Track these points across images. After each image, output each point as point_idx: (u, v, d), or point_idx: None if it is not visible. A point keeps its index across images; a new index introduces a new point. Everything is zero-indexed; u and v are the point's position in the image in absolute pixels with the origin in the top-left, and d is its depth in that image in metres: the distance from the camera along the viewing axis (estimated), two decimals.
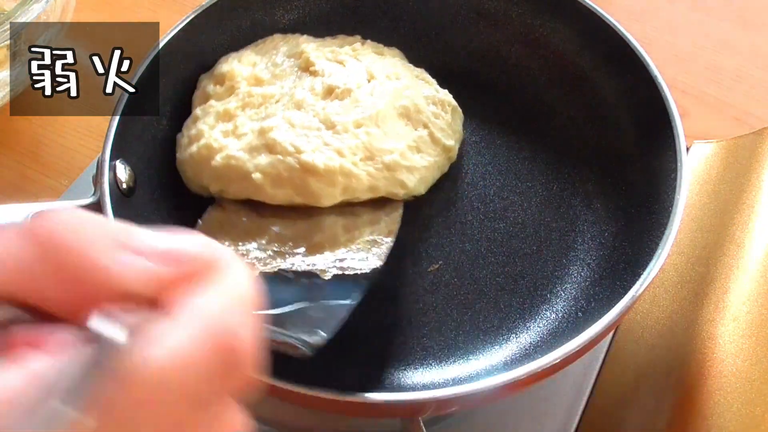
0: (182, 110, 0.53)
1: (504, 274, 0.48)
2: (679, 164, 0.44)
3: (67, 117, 0.64)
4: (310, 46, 0.53)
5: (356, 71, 0.51)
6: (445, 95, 0.52)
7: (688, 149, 0.53)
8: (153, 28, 0.67)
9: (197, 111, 0.51)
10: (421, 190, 0.49)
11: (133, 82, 0.48)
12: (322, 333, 0.37)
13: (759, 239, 0.50)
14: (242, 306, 0.22)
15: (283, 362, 0.44)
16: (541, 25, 0.55)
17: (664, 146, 0.46)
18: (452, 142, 0.51)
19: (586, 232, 0.49)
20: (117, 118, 0.46)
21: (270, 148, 0.47)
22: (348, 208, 0.48)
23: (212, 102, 0.51)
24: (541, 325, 0.46)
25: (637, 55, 0.49)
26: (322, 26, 0.57)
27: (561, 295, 0.47)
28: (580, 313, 0.45)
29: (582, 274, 0.47)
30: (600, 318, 0.38)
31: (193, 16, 0.52)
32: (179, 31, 0.51)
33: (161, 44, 0.50)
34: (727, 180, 0.54)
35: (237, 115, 0.50)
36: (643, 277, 0.39)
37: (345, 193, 0.47)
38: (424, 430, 0.42)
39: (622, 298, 0.39)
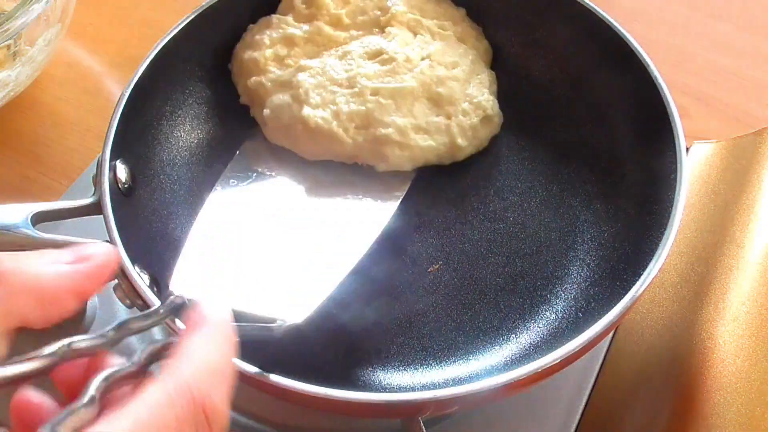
0: (182, 109, 0.53)
1: (504, 275, 0.48)
2: (679, 164, 0.44)
3: (67, 117, 0.64)
4: (402, 8, 0.54)
5: (419, 47, 0.53)
6: (487, 102, 0.52)
7: (688, 149, 0.53)
8: (153, 28, 0.68)
9: (273, 18, 0.55)
10: (407, 167, 0.50)
11: (133, 82, 0.48)
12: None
13: (759, 239, 0.50)
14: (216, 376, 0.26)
15: (283, 362, 0.44)
16: (541, 25, 0.55)
17: (664, 146, 0.45)
18: (464, 143, 0.51)
19: (586, 233, 0.49)
20: (117, 118, 0.46)
21: (291, 87, 0.51)
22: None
23: (289, 19, 0.54)
24: (540, 325, 0.46)
25: (636, 56, 0.49)
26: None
27: (561, 295, 0.47)
28: (580, 314, 0.45)
29: (582, 274, 0.47)
30: (600, 318, 0.38)
31: (193, 16, 0.52)
32: (179, 31, 0.51)
33: (161, 44, 0.50)
34: (727, 180, 0.54)
35: (296, 46, 0.53)
36: (643, 277, 0.39)
37: (328, 153, 0.50)
38: (424, 430, 0.42)
39: (622, 298, 0.39)
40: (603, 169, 0.51)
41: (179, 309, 0.33)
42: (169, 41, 0.51)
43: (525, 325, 0.46)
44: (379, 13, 0.55)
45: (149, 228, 0.47)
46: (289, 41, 0.54)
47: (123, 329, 0.31)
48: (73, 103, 0.65)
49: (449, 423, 0.46)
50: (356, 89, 0.50)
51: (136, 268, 0.40)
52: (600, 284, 0.46)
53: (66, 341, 0.29)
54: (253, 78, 0.53)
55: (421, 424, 0.42)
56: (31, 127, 0.63)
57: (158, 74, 0.50)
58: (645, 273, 0.40)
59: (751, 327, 0.46)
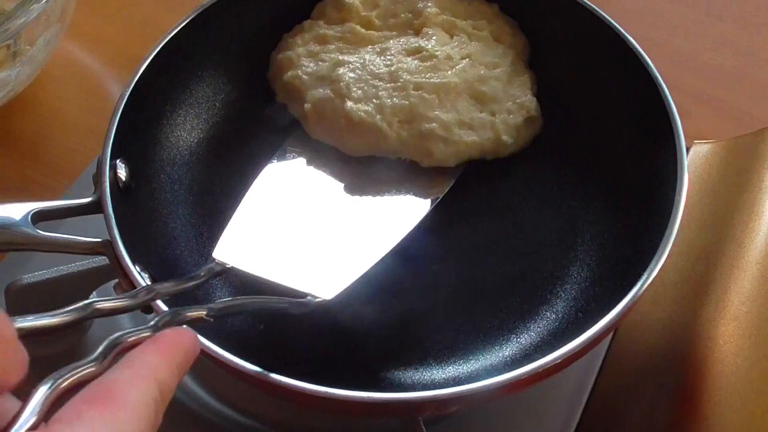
0: (182, 109, 0.53)
1: (504, 275, 0.48)
2: (679, 164, 0.44)
3: (67, 117, 0.64)
4: (434, 10, 0.54)
5: (458, 47, 0.53)
6: (531, 103, 0.52)
7: (688, 149, 0.53)
8: (153, 28, 0.67)
9: (306, 23, 0.55)
10: (451, 162, 0.49)
11: (134, 82, 0.48)
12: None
13: (759, 239, 0.50)
14: None
15: (283, 361, 0.44)
16: (540, 25, 0.55)
17: (664, 146, 0.45)
18: (509, 140, 0.51)
19: (586, 233, 0.49)
20: (117, 117, 0.46)
21: (330, 82, 0.51)
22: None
23: (321, 23, 0.55)
24: (541, 325, 0.46)
25: (636, 56, 0.49)
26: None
27: (561, 295, 0.47)
28: (580, 314, 0.45)
29: (582, 274, 0.47)
30: (600, 319, 0.38)
31: (193, 15, 0.52)
32: (179, 30, 0.51)
33: (161, 44, 0.50)
34: (727, 180, 0.54)
35: (329, 43, 0.53)
36: (643, 278, 0.39)
37: (370, 149, 0.50)
38: (424, 430, 0.42)
39: (622, 298, 0.39)
40: (603, 169, 0.51)
41: (219, 274, 0.40)
42: (169, 41, 0.50)
43: (525, 326, 0.46)
44: (410, 15, 0.54)
45: (149, 227, 0.48)
46: (321, 39, 0.54)
47: (154, 291, 0.35)
48: (73, 103, 0.65)
49: (449, 423, 0.46)
50: (399, 83, 0.49)
51: (137, 267, 0.40)
52: (600, 284, 0.46)
53: (90, 301, 0.31)
54: (289, 72, 0.53)
55: (421, 424, 0.42)
56: (31, 127, 0.63)
57: (158, 74, 0.50)
58: (645, 273, 0.40)
59: (751, 327, 0.46)
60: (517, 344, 0.45)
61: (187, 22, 0.52)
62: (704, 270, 0.50)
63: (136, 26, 0.70)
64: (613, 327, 0.39)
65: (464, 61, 0.51)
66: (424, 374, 0.44)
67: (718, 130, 0.61)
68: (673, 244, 0.41)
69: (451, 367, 0.44)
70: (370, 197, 0.49)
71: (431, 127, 0.48)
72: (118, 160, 0.45)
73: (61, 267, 0.48)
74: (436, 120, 0.48)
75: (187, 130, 0.53)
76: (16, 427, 0.24)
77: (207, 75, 0.55)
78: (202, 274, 0.39)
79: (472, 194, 0.51)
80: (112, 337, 0.29)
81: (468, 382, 0.36)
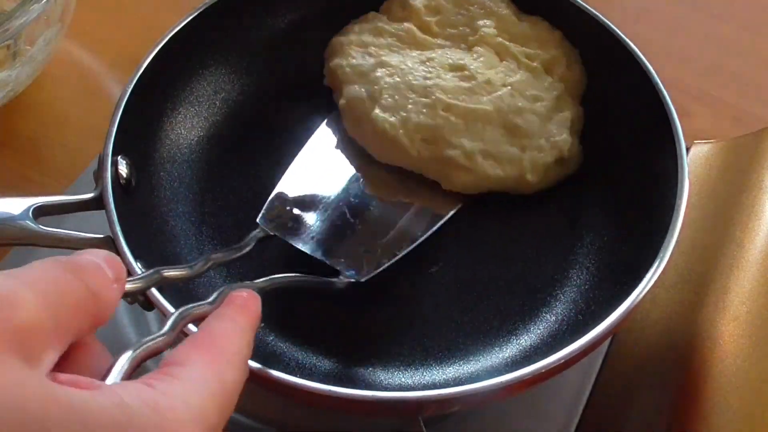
0: (182, 107, 0.53)
1: (504, 277, 0.48)
2: (679, 165, 0.44)
3: (67, 117, 0.64)
4: (491, 31, 0.53)
5: (503, 73, 0.51)
6: (565, 143, 0.49)
7: (688, 149, 0.53)
8: (153, 28, 0.67)
9: (369, 14, 0.56)
10: (470, 191, 0.49)
11: (135, 79, 0.48)
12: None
13: (759, 239, 0.50)
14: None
15: (284, 360, 0.44)
16: None
17: (664, 147, 0.45)
18: (534, 180, 0.49)
19: (586, 236, 0.49)
20: (118, 114, 0.46)
21: (368, 81, 0.51)
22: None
23: (385, 17, 0.55)
24: (541, 327, 0.46)
25: (634, 57, 0.49)
26: (325, 26, 0.57)
27: (561, 297, 0.47)
28: (580, 316, 0.45)
29: (582, 277, 0.47)
30: (600, 322, 0.38)
31: (193, 16, 0.52)
32: (181, 29, 0.51)
33: (161, 44, 0.50)
34: (727, 180, 0.54)
35: (383, 37, 0.53)
36: (644, 281, 0.39)
37: (394, 159, 0.50)
38: (424, 430, 0.42)
39: (622, 302, 0.39)
40: (603, 170, 0.51)
41: (262, 242, 0.44)
42: (170, 39, 0.51)
43: (525, 327, 0.46)
44: (468, 30, 0.54)
45: (149, 225, 0.48)
46: (377, 32, 0.54)
47: (208, 260, 0.39)
48: (73, 103, 0.65)
49: (449, 423, 0.46)
50: (430, 101, 0.49)
51: (138, 263, 0.40)
52: (600, 287, 0.46)
53: (157, 269, 0.35)
54: (336, 60, 0.53)
55: (421, 424, 0.42)
56: (31, 127, 0.63)
57: (159, 72, 0.50)
58: (646, 278, 0.40)
59: (751, 327, 0.46)
60: (517, 345, 0.45)
61: (187, 21, 0.52)
62: (704, 270, 0.50)
63: (136, 26, 0.70)
64: (613, 331, 0.39)
65: (504, 89, 0.50)
66: (424, 374, 0.44)
67: (718, 130, 0.61)
68: (673, 249, 0.41)
69: (451, 368, 0.44)
70: (402, 189, 0.50)
71: (453, 154, 0.48)
72: (119, 157, 0.45)
73: None
74: (460, 147, 0.48)
75: (187, 128, 0.53)
76: (111, 375, 0.26)
77: (207, 74, 0.55)
78: (248, 239, 0.43)
79: (471, 196, 0.51)
80: (180, 310, 0.32)
81: (468, 383, 0.36)
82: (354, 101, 0.51)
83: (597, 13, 0.52)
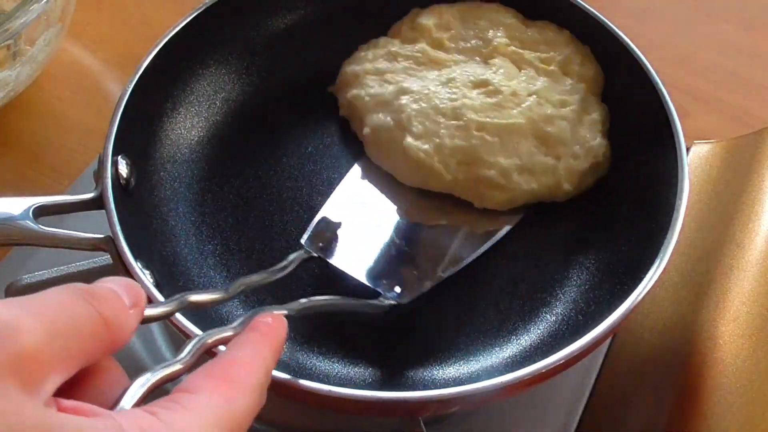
0: (182, 107, 0.53)
1: (504, 277, 0.48)
2: (679, 165, 0.44)
3: (67, 117, 0.64)
4: (503, 41, 0.53)
5: (525, 82, 0.51)
6: (600, 148, 0.49)
7: (688, 149, 0.53)
8: (153, 27, 0.67)
9: (380, 39, 0.55)
10: (504, 207, 0.48)
11: (135, 79, 0.48)
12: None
13: (759, 239, 0.50)
14: None
15: (285, 359, 0.44)
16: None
17: (664, 147, 0.45)
18: (570, 188, 0.49)
19: (586, 235, 0.49)
20: (119, 114, 0.46)
21: (392, 110, 0.50)
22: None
23: (396, 41, 0.55)
24: (541, 327, 0.46)
25: (634, 57, 0.49)
26: (325, 26, 0.57)
27: (561, 297, 0.47)
28: (580, 317, 0.45)
29: (582, 277, 0.47)
30: (600, 322, 0.38)
31: (193, 16, 0.52)
32: (181, 28, 0.51)
33: (161, 44, 0.50)
34: (727, 180, 0.54)
35: (398, 61, 0.53)
36: (644, 281, 0.39)
37: (423, 184, 0.49)
38: (424, 430, 0.42)
39: (622, 302, 0.39)
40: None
41: (306, 262, 0.44)
42: (170, 38, 0.51)
43: (525, 327, 0.46)
44: (480, 43, 0.54)
45: (149, 225, 0.48)
46: (392, 56, 0.53)
47: (242, 283, 0.38)
48: (73, 103, 0.65)
49: (449, 423, 0.46)
50: (462, 122, 0.48)
51: (138, 263, 0.40)
52: (600, 287, 0.46)
53: (183, 294, 0.34)
54: (353, 91, 0.53)
55: (421, 424, 0.42)
56: (31, 127, 0.63)
57: (159, 72, 0.50)
58: (646, 278, 0.40)
59: (751, 327, 0.46)
60: (517, 345, 0.45)
61: (187, 21, 0.52)
62: (704, 270, 0.50)
63: (136, 26, 0.70)
64: (613, 331, 0.39)
65: (531, 98, 0.49)
66: (424, 374, 0.44)
67: (718, 130, 0.61)
68: (673, 249, 0.41)
69: (451, 368, 0.44)
70: (436, 211, 0.49)
71: (490, 174, 0.47)
72: (119, 157, 0.45)
73: (61, 267, 0.48)
74: (496, 166, 0.47)
75: (187, 128, 0.53)
76: (121, 403, 0.26)
77: (207, 73, 0.55)
78: (291, 260, 0.42)
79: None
80: (200, 336, 0.31)
81: (468, 383, 0.36)
82: (380, 130, 0.50)
83: (597, 13, 0.52)
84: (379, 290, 0.44)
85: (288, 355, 0.45)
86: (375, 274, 0.45)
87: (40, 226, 0.40)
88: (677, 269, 0.51)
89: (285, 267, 0.41)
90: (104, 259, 0.46)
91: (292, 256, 0.42)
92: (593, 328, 0.38)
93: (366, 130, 0.51)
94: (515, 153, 0.48)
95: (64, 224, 0.42)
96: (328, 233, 0.46)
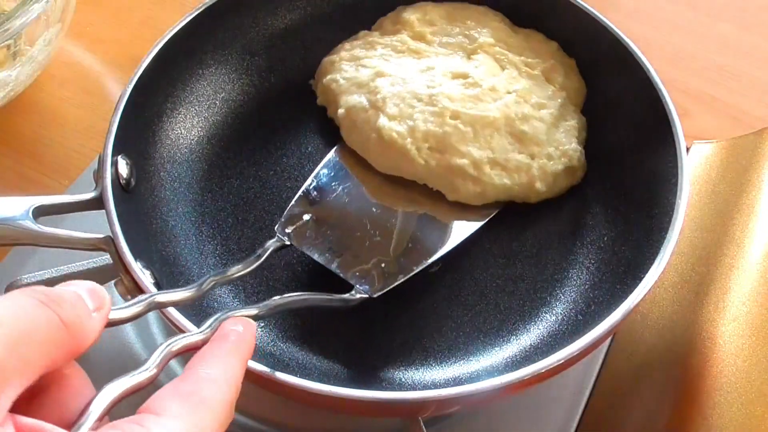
0: (182, 107, 0.53)
1: (504, 276, 0.48)
2: (679, 165, 0.44)
3: (67, 117, 0.64)
4: (488, 39, 0.53)
5: (506, 80, 0.50)
6: (574, 152, 0.49)
7: (688, 149, 0.53)
8: (153, 27, 0.67)
9: (360, 32, 0.55)
10: (476, 202, 0.48)
11: (135, 79, 0.48)
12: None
13: (759, 239, 0.50)
14: None
15: (284, 360, 0.44)
16: (538, 28, 0.55)
17: (664, 150, 0.45)
18: (543, 188, 0.49)
19: (586, 236, 0.49)
20: (118, 114, 0.46)
21: (368, 91, 0.50)
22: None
23: (376, 33, 0.54)
24: (541, 327, 0.46)
25: (635, 58, 0.49)
26: (325, 26, 0.57)
27: (561, 297, 0.47)
28: (580, 316, 0.45)
29: (582, 277, 0.47)
30: (600, 322, 0.38)
31: (193, 16, 0.52)
32: (180, 29, 0.51)
33: (161, 44, 0.50)
34: (727, 180, 0.54)
35: (375, 49, 0.53)
36: (644, 282, 0.39)
37: (396, 169, 0.49)
38: (424, 430, 0.42)
39: (622, 302, 0.39)
40: (602, 171, 0.51)
41: (281, 249, 0.43)
42: (170, 39, 0.51)
43: (525, 327, 0.46)
44: (464, 40, 0.53)
45: (149, 225, 0.48)
46: (369, 45, 0.53)
47: (213, 279, 0.37)
48: (73, 103, 0.65)
49: (449, 423, 0.46)
50: (437, 109, 0.48)
51: (138, 263, 0.40)
52: (600, 287, 0.46)
53: (151, 294, 0.33)
54: (329, 76, 0.52)
55: (422, 424, 0.42)
56: (31, 127, 0.63)
57: (159, 72, 0.50)
58: (646, 278, 0.40)
59: (751, 327, 0.46)
60: (517, 345, 0.45)
61: (187, 21, 0.52)
62: (704, 270, 0.50)
63: (136, 26, 0.70)
64: (613, 331, 0.39)
65: (509, 95, 0.49)
66: (424, 374, 0.44)
67: (718, 130, 0.61)
68: (674, 248, 0.41)
69: (451, 368, 0.44)
70: (412, 211, 0.49)
71: (462, 163, 0.47)
72: (119, 157, 0.45)
73: (61, 267, 0.48)
74: (468, 156, 0.47)
75: (187, 128, 0.53)
76: (82, 421, 0.25)
77: (207, 74, 0.55)
78: (264, 249, 0.42)
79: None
80: (166, 344, 0.30)
81: (468, 383, 0.36)
82: (354, 110, 0.50)
83: (597, 13, 0.52)
84: (352, 282, 0.43)
85: (288, 355, 0.45)
86: (347, 264, 0.44)
87: (40, 226, 0.40)
88: (677, 269, 0.51)
89: (258, 257, 0.41)
90: (104, 259, 0.46)
91: (265, 245, 0.42)
92: (593, 328, 0.38)
93: (341, 111, 0.51)
94: (488, 146, 0.48)
95: (64, 224, 0.42)
96: (301, 221, 0.46)
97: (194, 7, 0.53)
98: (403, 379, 0.44)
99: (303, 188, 0.48)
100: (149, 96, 0.50)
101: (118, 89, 0.65)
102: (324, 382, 0.36)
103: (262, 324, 0.46)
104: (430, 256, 0.46)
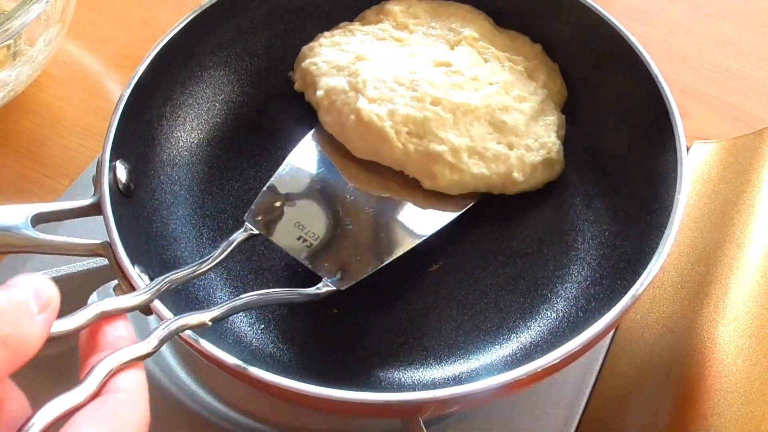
0: (182, 109, 0.53)
1: (504, 274, 0.48)
2: (679, 164, 0.44)
3: (67, 117, 0.64)
4: (473, 33, 0.52)
5: (488, 72, 0.50)
6: (553, 145, 0.49)
7: (688, 149, 0.53)
8: (153, 28, 0.68)
9: (342, 23, 0.55)
10: (453, 191, 0.48)
11: (133, 82, 0.48)
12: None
13: (759, 239, 0.50)
14: None
15: (283, 361, 0.44)
16: (541, 25, 0.55)
17: (664, 146, 0.45)
18: (520, 178, 0.48)
19: (587, 232, 0.49)
20: (117, 118, 0.46)
21: (349, 73, 0.49)
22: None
23: (358, 23, 0.54)
24: (541, 324, 0.46)
25: (637, 55, 0.49)
26: (324, 26, 0.57)
27: (561, 294, 0.47)
28: (580, 313, 0.45)
29: (582, 273, 0.47)
30: (600, 317, 0.38)
31: (193, 16, 0.52)
32: (179, 31, 0.51)
33: (161, 44, 0.50)
34: (727, 180, 0.54)
35: (355, 35, 0.52)
36: (643, 276, 0.39)
37: (373, 154, 0.48)
38: (424, 430, 0.42)
39: (622, 297, 0.39)
40: (603, 169, 0.51)
41: (248, 240, 0.42)
42: (169, 41, 0.50)
43: (525, 325, 0.46)
44: (448, 33, 0.53)
45: (149, 228, 0.47)
46: (349, 32, 0.53)
47: (170, 280, 0.36)
48: (73, 103, 0.65)
49: (449, 423, 0.46)
50: (418, 93, 0.47)
51: (136, 268, 0.40)
52: (600, 283, 0.46)
53: (97, 304, 0.31)
54: (308, 60, 0.52)
55: (421, 424, 0.42)
56: (31, 127, 0.63)
57: (158, 74, 0.50)
58: (645, 272, 0.40)
59: (751, 327, 0.46)
60: (517, 343, 0.45)
61: (187, 22, 0.52)
62: (704, 270, 0.50)
63: (136, 26, 0.70)
64: (613, 326, 0.39)
65: (491, 86, 0.49)
66: (424, 374, 0.44)
67: (718, 130, 0.61)
68: (673, 243, 0.41)
69: (451, 367, 0.44)
70: (387, 200, 0.48)
71: (440, 150, 0.46)
72: (117, 161, 0.45)
73: (61, 268, 0.48)
74: (447, 142, 0.47)
75: (186, 130, 0.53)
76: None
77: (207, 75, 0.55)
78: (231, 241, 0.41)
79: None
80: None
81: (468, 382, 0.36)
82: (333, 91, 0.49)
83: (601, 9, 0.52)
84: (320, 274, 0.42)
85: (288, 356, 0.45)
86: (317, 255, 0.44)
87: (39, 233, 0.40)
88: (677, 269, 0.51)
89: (223, 251, 0.40)
90: (103, 259, 0.46)
91: (231, 237, 0.42)
92: (593, 324, 0.38)
93: (319, 93, 0.50)
94: (467, 133, 0.47)
95: (63, 227, 0.42)
96: (272, 208, 0.45)
97: (194, 8, 0.53)
98: (403, 379, 0.44)
99: (275, 174, 0.48)
100: (148, 99, 0.50)
101: (118, 89, 0.65)
102: (323, 384, 0.36)
103: (262, 325, 0.46)
104: (402, 248, 0.45)
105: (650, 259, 0.40)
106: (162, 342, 0.32)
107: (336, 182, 0.48)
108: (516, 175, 0.48)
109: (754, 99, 0.64)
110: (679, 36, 0.69)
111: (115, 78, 0.67)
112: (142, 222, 0.47)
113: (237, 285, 0.48)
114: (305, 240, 0.44)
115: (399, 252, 0.44)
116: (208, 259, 0.39)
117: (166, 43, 0.50)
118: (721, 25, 0.70)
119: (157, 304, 0.38)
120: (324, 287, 0.41)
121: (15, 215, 0.40)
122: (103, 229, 0.41)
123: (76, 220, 0.44)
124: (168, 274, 0.37)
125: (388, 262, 0.44)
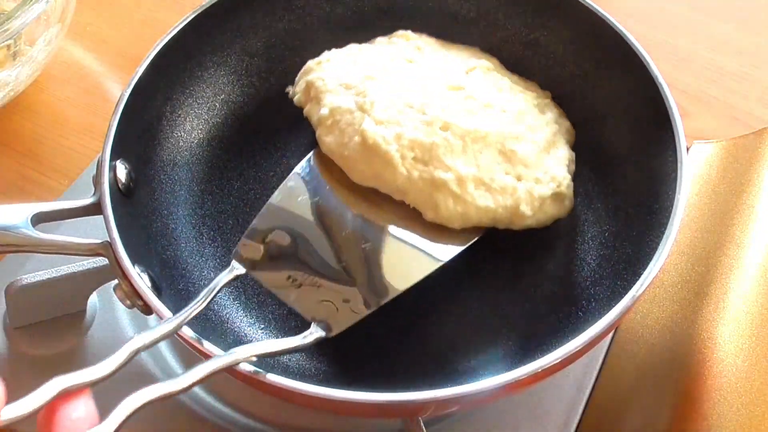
0: (182, 109, 0.53)
1: (504, 274, 0.48)
2: (679, 164, 0.44)
3: (67, 117, 0.64)
4: (487, 64, 0.51)
5: (502, 100, 0.48)
6: (564, 179, 0.47)
7: (688, 149, 0.53)
8: (153, 28, 0.68)
9: (349, 45, 0.53)
10: (455, 224, 0.45)
11: (133, 82, 0.48)
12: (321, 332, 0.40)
13: (759, 239, 0.50)
14: None
15: (283, 361, 0.44)
16: (541, 25, 0.55)
17: (664, 146, 0.45)
18: (528, 212, 0.45)
19: (587, 232, 0.49)
20: (117, 118, 0.46)
21: (357, 92, 0.47)
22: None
23: (367, 44, 0.53)
24: (541, 325, 0.46)
25: (637, 55, 0.49)
26: (324, 27, 0.57)
27: (561, 294, 0.47)
28: (580, 313, 0.45)
29: (582, 274, 0.47)
30: (600, 318, 0.38)
31: (193, 16, 0.52)
32: (179, 31, 0.51)
33: (161, 44, 0.50)
34: (727, 180, 0.54)
35: (367, 55, 0.50)
36: (643, 277, 0.39)
37: (374, 180, 0.46)
38: (424, 430, 0.42)
39: (622, 298, 0.39)
40: (603, 169, 0.51)
41: (236, 280, 0.41)
42: (169, 41, 0.50)
43: (525, 325, 0.46)
44: (464, 64, 0.52)
45: (149, 228, 0.47)
46: (359, 50, 0.52)
47: (136, 349, 0.33)
48: (73, 103, 0.65)
49: (449, 423, 0.46)
50: (427, 117, 0.45)
51: (137, 268, 0.40)
52: (600, 284, 0.46)
53: (55, 380, 0.29)
54: (313, 74, 0.50)
55: (421, 424, 0.42)
56: (31, 127, 0.63)
57: (158, 74, 0.50)
58: (645, 273, 0.40)
59: (751, 327, 0.46)
60: (517, 343, 0.45)
61: (187, 22, 0.52)
62: (704, 270, 0.50)
63: (136, 26, 0.70)
64: (614, 326, 0.39)
65: (504, 114, 0.47)
66: (424, 374, 0.44)
67: (718, 130, 0.61)
68: (673, 243, 0.41)
69: (451, 367, 0.44)
70: (384, 234, 0.46)
71: (445, 177, 0.44)
72: (117, 161, 0.45)
73: (61, 267, 0.48)
74: (453, 171, 0.44)
75: (186, 130, 0.53)
76: None
77: (207, 75, 0.55)
78: (213, 288, 0.39)
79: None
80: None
81: (468, 382, 0.36)
82: (339, 111, 0.47)
83: (600, 9, 0.52)
84: (308, 319, 0.41)
85: (288, 356, 0.45)
86: (306, 297, 0.42)
87: (39, 233, 0.40)
88: (677, 269, 0.51)
89: (206, 296, 0.38)
90: (103, 259, 0.46)
91: (215, 279, 0.39)
92: (593, 325, 0.38)
93: (323, 110, 0.47)
94: (475, 162, 0.45)
95: (64, 227, 0.42)
96: (261, 244, 0.43)
97: (194, 8, 0.53)
98: (403, 380, 0.44)
99: (264, 207, 0.46)
100: (148, 99, 0.49)
101: (118, 89, 0.65)
102: (323, 384, 0.36)
103: (262, 325, 0.46)
104: (397, 289, 0.43)
105: (650, 259, 0.40)
106: (123, 423, 0.30)
107: (330, 215, 0.46)
108: (523, 208, 0.45)
109: (754, 99, 0.64)
110: (679, 36, 0.69)
111: (115, 78, 0.67)
112: (142, 221, 0.47)
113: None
114: (295, 279, 0.42)
115: (392, 296, 0.43)
116: (185, 312, 0.37)
117: (166, 43, 0.50)
118: (721, 25, 0.70)
119: (158, 304, 0.38)
120: (310, 336, 0.39)
121: (15, 215, 0.40)
122: (103, 228, 0.41)
123: (76, 219, 0.44)
124: (139, 339, 0.34)
125: (378, 307, 0.42)
